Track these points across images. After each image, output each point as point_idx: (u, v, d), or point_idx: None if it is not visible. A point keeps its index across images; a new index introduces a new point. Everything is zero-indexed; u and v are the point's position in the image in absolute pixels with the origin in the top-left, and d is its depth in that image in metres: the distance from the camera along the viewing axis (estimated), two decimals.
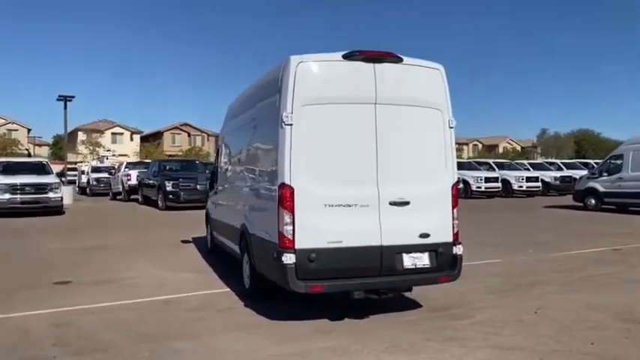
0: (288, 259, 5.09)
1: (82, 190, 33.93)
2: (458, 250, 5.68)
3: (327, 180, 5.23)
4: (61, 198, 17.73)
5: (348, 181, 5.30)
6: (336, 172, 5.28)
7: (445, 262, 5.61)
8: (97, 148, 64.78)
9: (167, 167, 21.75)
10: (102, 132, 72.63)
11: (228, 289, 7.04)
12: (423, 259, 5.49)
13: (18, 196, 16.90)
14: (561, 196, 25.78)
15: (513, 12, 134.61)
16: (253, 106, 6.53)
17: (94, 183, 31.41)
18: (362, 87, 5.35)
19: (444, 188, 5.66)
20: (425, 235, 5.48)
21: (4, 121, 69.95)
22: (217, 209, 8.98)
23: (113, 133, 75.44)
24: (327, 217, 5.19)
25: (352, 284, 5.30)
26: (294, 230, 5.12)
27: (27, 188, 16.97)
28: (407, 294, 6.44)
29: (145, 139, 78.34)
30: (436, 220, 5.59)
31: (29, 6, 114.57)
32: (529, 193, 27.28)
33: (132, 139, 76.37)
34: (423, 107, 5.58)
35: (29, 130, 73.34)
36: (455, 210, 5.71)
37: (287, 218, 5.13)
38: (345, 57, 5.33)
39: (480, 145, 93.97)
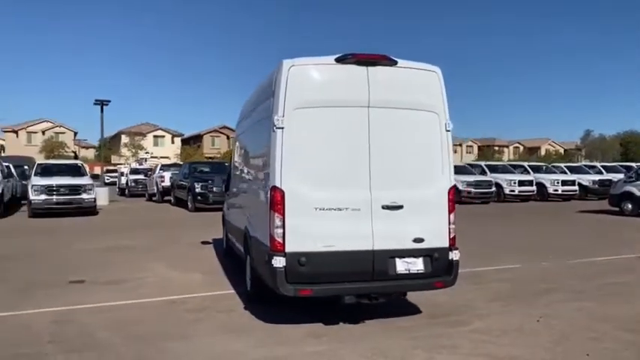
0: (278, 262, 5.10)
1: (122, 191, 34.79)
2: (454, 255, 5.57)
3: (318, 183, 5.22)
4: (94, 199, 18.25)
5: (339, 185, 5.27)
6: (328, 175, 5.27)
7: (441, 268, 5.52)
8: (139, 151, 66.54)
9: (197, 169, 22.10)
10: (144, 135, 74.62)
11: (233, 291, 7.12)
12: (417, 264, 5.41)
13: (54, 197, 17.49)
14: (601, 201, 24.88)
15: (553, 13, 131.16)
16: (254, 110, 6.60)
17: (132, 184, 32.14)
18: (354, 90, 5.32)
19: (441, 192, 5.56)
20: (419, 240, 5.40)
21: (52, 124, 72.57)
22: (229, 211, 9.10)
23: (155, 136, 77.34)
24: (317, 221, 5.18)
25: (343, 289, 5.26)
26: (284, 233, 5.13)
27: (62, 189, 17.55)
28: (410, 299, 6.40)
29: (185, 142, 79.98)
30: (431, 225, 5.49)
31: (80, 11, 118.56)
32: (565, 197, 26.51)
33: (173, 142, 78.13)
34: (417, 110, 5.50)
35: (76, 134, 75.89)
36: (452, 215, 5.59)
37: (277, 221, 5.15)
38: (338, 60, 5.32)
39: (521, 148, 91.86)
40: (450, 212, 5.58)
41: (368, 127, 5.32)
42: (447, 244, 5.54)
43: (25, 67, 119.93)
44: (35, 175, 18.37)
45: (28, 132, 71.58)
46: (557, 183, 26.50)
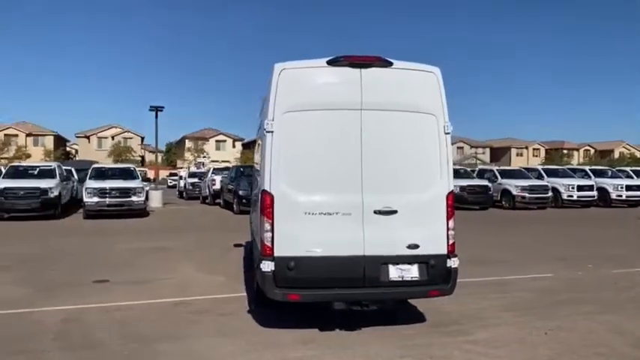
0: (267, 266, 5.09)
1: (181, 194, 35.92)
2: (453, 263, 5.34)
3: (308, 187, 5.16)
4: (144, 201, 18.91)
5: (330, 189, 5.19)
6: (318, 179, 5.20)
7: (438, 276, 5.31)
8: (200, 155, 68.58)
9: (245, 173, 22.42)
10: (207, 139, 76.84)
11: (244, 294, 7.16)
12: (411, 272, 5.24)
13: (106, 199, 18.25)
14: None
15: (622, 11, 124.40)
16: (260, 113, 6.63)
17: (190, 187, 33.09)
18: (347, 93, 5.23)
19: (438, 197, 5.35)
20: (414, 246, 5.23)
21: (120, 130, 76.03)
22: (251, 214, 9.17)
23: (217, 141, 79.51)
24: (307, 225, 5.12)
25: (331, 294, 5.16)
26: (273, 238, 5.12)
27: (113, 192, 18.30)
28: (420, 307, 6.25)
29: (246, 146, 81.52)
30: (427, 231, 5.30)
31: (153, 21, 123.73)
32: (631, 203, 24.92)
33: (234, 146, 79.96)
34: (414, 112, 5.33)
35: (142, 139, 79.03)
36: (451, 220, 5.37)
37: (267, 225, 5.14)
38: (330, 63, 5.25)
39: (592, 151, 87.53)
40: (448, 218, 5.36)
41: (360, 130, 5.21)
42: (444, 251, 5.33)
43: (97, 74, 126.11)
44: (90, 178, 19.24)
45: (98, 137, 75.27)
46: (621, 188, 24.96)
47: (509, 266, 9.39)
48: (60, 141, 75.57)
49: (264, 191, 5.18)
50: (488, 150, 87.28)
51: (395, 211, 5.21)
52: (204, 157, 62.68)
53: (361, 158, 5.20)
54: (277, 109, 5.16)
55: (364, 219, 5.17)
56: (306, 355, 4.87)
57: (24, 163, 24.86)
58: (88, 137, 75.36)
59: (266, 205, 5.15)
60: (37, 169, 19.88)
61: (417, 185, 5.34)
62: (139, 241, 12.84)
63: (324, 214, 5.14)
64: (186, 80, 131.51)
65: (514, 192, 23.34)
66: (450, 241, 5.37)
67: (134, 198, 18.38)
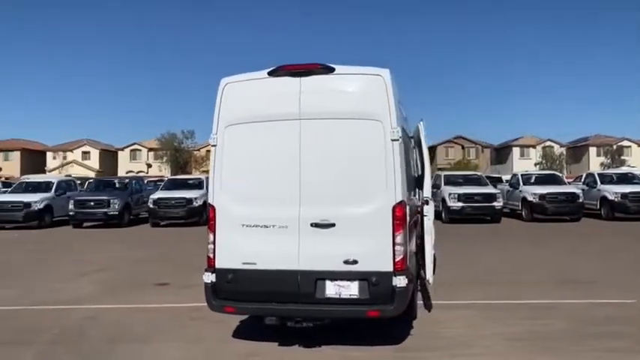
0: (207, 277, 5.24)
1: None
2: (399, 281, 4.84)
3: (246, 200, 5.17)
4: None
5: (267, 201, 5.13)
6: (256, 192, 5.18)
7: (381, 294, 4.86)
8: None
9: None
10: None
11: None
12: (350, 289, 4.90)
13: None
14: None
15: None
16: None
17: None
18: (285, 103, 5.12)
19: (383, 209, 4.90)
20: (352, 262, 4.88)
21: None
22: None
23: None
24: (244, 238, 5.13)
25: (263, 309, 5.09)
26: (214, 249, 5.23)
27: None
28: (419, 328, 5.78)
29: None
30: (369, 245, 4.91)
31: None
32: None
33: None
34: (356, 119, 5.00)
35: None
36: (399, 235, 4.88)
37: (210, 237, 5.28)
38: (270, 73, 5.21)
39: None
40: (395, 232, 4.88)
41: (299, 141, 5.07)
42: (389, 268, 4.86)
43: None
44: None
45: None
46: None
47: (592, 288, 8.07)
48: None
49: (208, 204, 5.33)
50: None
51: (332, 225, 4.95)
52: None
53: (299, 170, 5.04)
54: (220, 122, 5.29)
55: (300, 232, 5.00)
56: None
57: (180, 176, 27.96)
58: None
59: (209, 217, 5.30)
60: (189, 181, 22.34)
61: (358, 197, 4.99)
62: None
63: (261, 226, 5.10)
64: None
65: None
66: (397, 258, 4.89)
67: None
